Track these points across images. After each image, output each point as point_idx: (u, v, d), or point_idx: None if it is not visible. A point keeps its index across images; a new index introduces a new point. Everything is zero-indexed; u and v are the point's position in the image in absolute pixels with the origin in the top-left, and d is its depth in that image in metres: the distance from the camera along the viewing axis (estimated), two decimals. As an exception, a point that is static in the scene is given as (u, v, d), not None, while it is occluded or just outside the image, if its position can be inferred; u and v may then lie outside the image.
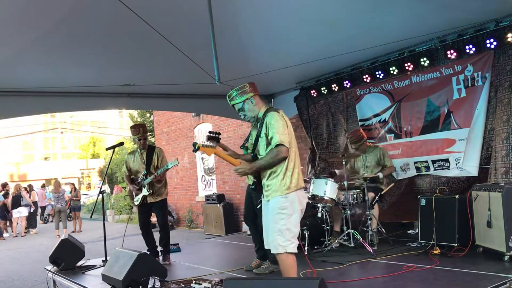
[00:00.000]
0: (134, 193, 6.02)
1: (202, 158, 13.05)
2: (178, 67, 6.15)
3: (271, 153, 3.58)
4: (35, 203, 17.18)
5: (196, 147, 3.83)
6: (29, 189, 17.24)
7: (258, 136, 3.76)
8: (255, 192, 4.30)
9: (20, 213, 15.21)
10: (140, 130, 5.95)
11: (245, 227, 10.31)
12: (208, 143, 3.88)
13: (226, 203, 11.38)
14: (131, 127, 6.12)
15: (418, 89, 6.56)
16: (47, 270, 5.94)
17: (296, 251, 3.61)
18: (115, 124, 59.87)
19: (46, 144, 61.02)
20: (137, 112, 23.88)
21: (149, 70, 6.43)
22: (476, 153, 5.72)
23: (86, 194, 30.36)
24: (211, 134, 4.20)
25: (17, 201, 15.12)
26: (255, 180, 3.90)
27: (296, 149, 3.74)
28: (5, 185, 16.38)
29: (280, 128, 3.56)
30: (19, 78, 6.05)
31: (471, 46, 5.58)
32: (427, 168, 6.51)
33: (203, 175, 13.14)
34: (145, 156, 5.99)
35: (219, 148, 3.98)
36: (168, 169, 5.74)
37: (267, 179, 3.70)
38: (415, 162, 6.69)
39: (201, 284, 4.20)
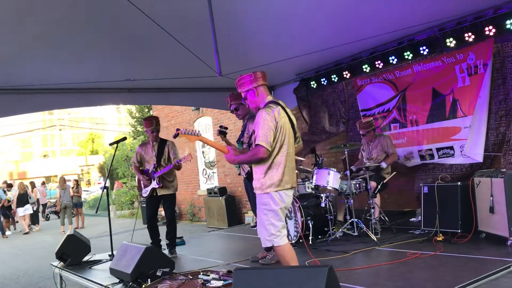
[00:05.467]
0: (143, 184, 6.06)
1: (203, 152, 13.07)
2: (178, 60, 6.15)
3: (251, 151, 3.64)
4: (37, 200, 17.24)
5: (177, 133, 3.88)
6: (31, 186, 17.28)
7: (253, 130, 3.79)
8: (249, 181, 4.38)
9: (26, 211, 15.26)
10: (153, 122, 6.01)
11: (247, 219, 10.39)
12: (192, 130, 3.93)
13: (228, 196, 11.42)
14: (144, 120, 6.18)
15: (421, 79, 6.59)
16: (54, 266, 5.98)
17: (285, 242, 3.61)
18: (113, 120, 59.82)
19: (45, 142, 60.94)
20: (135, 107, 23.88)
21: (150, 65, 6.42)
22: (480, 140, 5.77)
23: (87, 191, 30.40)
24: (222, 129, 5.03)
25: (24, 199, 15.18)
26: (249, 169, 3.96)
27: (289, 148, 3.67)
28: (10, 185, 16.49)
29: (265, 128, 3.54)
30: (17, 75, 6.02)
31: (470, 34, 5.58)
32: (431, 156, 6.57)
33: (204, 169, 13.17)
34: (157, 149, 6.03)
35: (203, 136, 3.99)
36: (178, 164, 5.78)
37: (254, 174, 3.74)
38: (419, 151, 6.75)
39: (209, 275, 4.25)
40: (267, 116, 3.59)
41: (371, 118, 6.81)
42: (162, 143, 6.11)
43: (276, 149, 3.61)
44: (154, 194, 6.00)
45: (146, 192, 6.02)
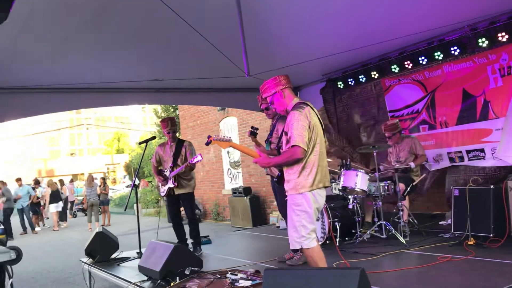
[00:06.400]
0: (160, 184, 6.19)
1: (228, 152, 13.11)
2: (207, 61, 6.19)
3: (287, 153, 3.61)
4: (65, 198, 17.64)
5: (209, 140, 3.89)
6: (61, 184, 17.68)
7: (283, 131, 3.78)
8: (278, 185, 4.36)
9: (57, 207, 15.62)
10: (168, 123, 6.11)
11: (272, 220, 10.37)
12: (222, 136, 3.94)
13: (253, 196, 11.44)
14: (161, 121, 6.32)
15: (451, 79, 6.46)
16: (83, 262, 6.09)
17: (314, 244, 3.59)
18: (138, 119, 60.65)
19: (72, 140, 62.20)
20: (160, 107, 24.12)
21: (178, 65, 6.49)
22: None
23: (112, 189, 30.83)
24: (253, 129, 5.01)
25: (56, 196, 15.55)
26: (279, 173, 3.93)
27: (321, 147, 3.67)
28: (37, 182, 16.88)
29: (299, 128, 3.53)
30: (47, 75, 6.13)
31: (504, 34, 5.46)
32: (461, 158, 6.43)
33: (229, 169, 13.22)
34: (174, 149, 6.13)
35: (233, 142, 4.01)
36: (191, 164, 5.80)
37: (286, 175, 3.72)
38: (448, 153, 6.62)
39: (237, 274, 4.26)
40: (300, 115, 3.58)
41: (397, 120, 6.70)
42: (180, 143, 6.21)
43: (310, 149, 3.60)
44: (172, 193, 6.12)
45: (163, 191, 6.16)
